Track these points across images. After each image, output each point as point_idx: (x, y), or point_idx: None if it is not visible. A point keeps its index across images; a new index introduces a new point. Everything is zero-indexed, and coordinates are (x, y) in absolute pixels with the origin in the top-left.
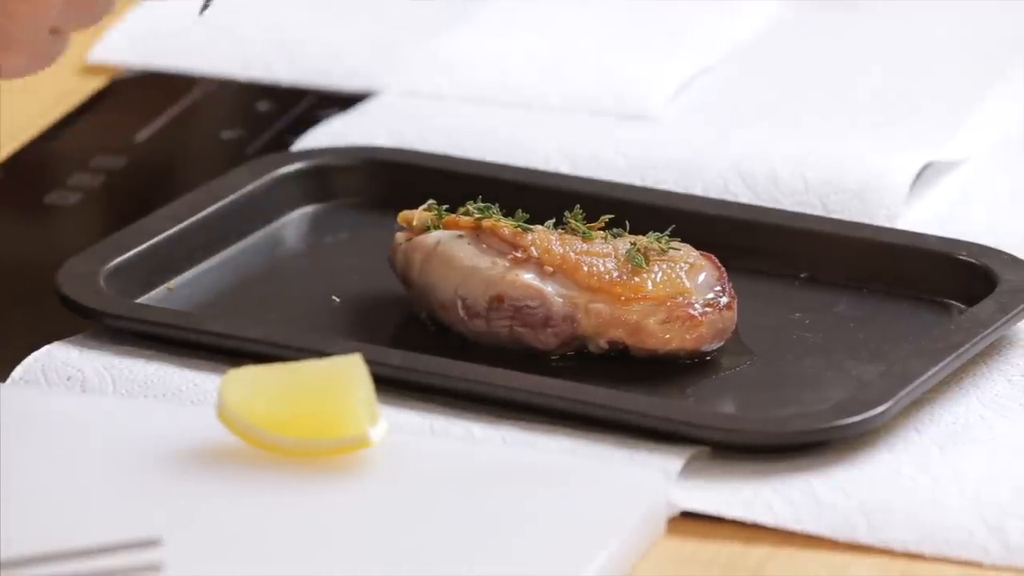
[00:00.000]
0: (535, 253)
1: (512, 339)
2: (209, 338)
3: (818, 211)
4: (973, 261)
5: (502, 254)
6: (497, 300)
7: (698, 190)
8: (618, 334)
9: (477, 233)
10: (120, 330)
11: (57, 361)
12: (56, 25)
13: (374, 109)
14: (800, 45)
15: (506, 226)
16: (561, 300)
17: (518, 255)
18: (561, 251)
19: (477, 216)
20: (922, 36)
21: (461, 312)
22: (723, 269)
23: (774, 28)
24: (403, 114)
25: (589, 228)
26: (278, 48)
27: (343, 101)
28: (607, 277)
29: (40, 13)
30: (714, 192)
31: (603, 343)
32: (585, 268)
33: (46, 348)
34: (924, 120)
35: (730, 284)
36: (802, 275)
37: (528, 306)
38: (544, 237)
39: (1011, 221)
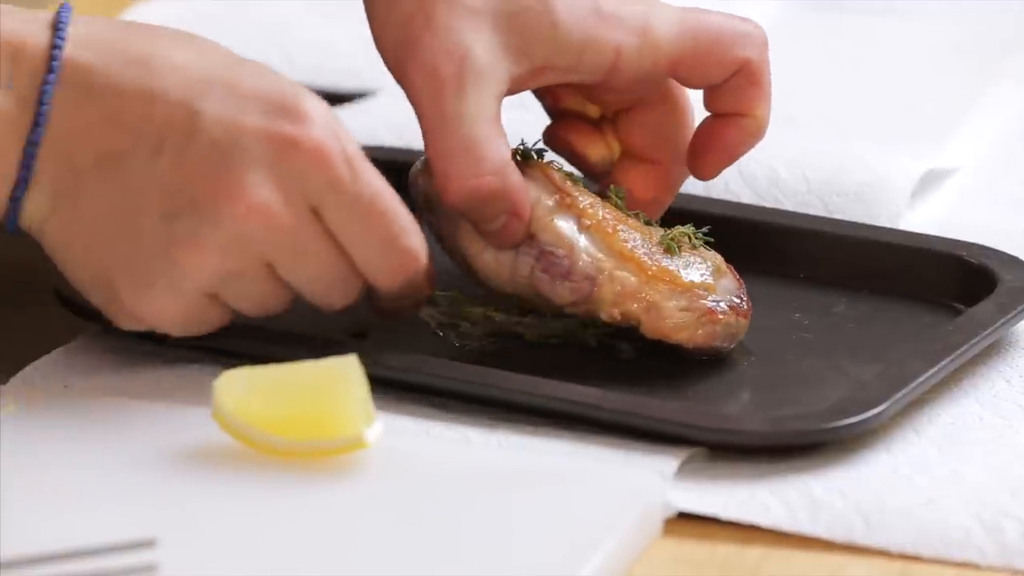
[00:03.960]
0: (580, 203)
1: (528, 284)
2: (206, 338)
3: (819, 212)
4: (973, 262)
5: (548, 193)
6: (529, 237)
7: (699, 190)
8: (634, 309)
9: (525, 168)
10: (118, 330)
11: (55, 363)
12: (215, 290)
13: (372, 108)
14: (800, 46)
15: (557, 171)
16: (588, 259)
17: (565, 197)
18: (603, 213)
19: (527, 152)
20: (921, 37)
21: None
22: (742, 281)
23: (774, 29)
24: (401, 113)
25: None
26: (274, 47)
27: (339, 101)
28: (639, 251)
29: (198, 268)
30: (715, 192)
31: (616, 313)
32: (621, 234)
33: (46, 355)
34: (924, 121)
35: (748, 296)
36: (802, 275)
37: (555, 253)
38: (589, 193)
39: (1011, 222)
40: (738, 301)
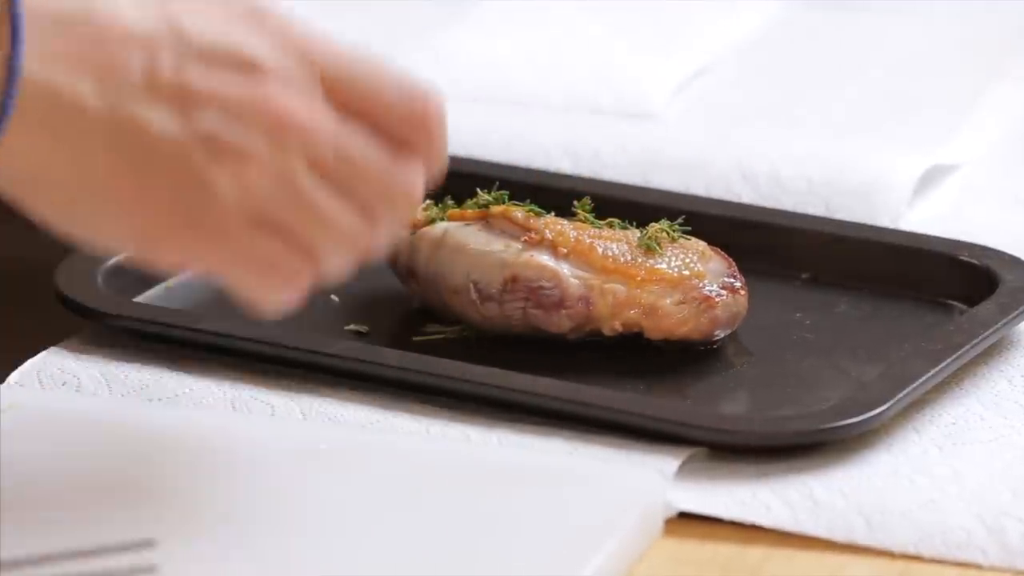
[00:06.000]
0: (549, 235)
1: (524, 323)
2: (207, 337)
3: (821, 211)
4: (974, 262)
5: (515, 237)
6: (511, 281)
7: (701, 189)
8: (633, 316)
9: (487, 220)
10: (118, 329)
11: (55, 361)
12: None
13: None
14: (801, 45)
15: (518, 210)
16: (577, 281)
17: (532, 235)
18: (575, 234)
19: (490, 200)
20: (922, 35)
21: (473, 295)
22: (731, 260)
23: (775, 27)
24: None
25: (597, 220)
26: None
27: None
28: (622, 259)
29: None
30: (717, 191)
31: (617, 325)
32: (600, 250)
33: (44, 351)
34: (926, 120)
35: (740, 273)
36: (803, 275)
37: (543, 287)
38: (556, 221)
39: (1012, 221)
40: (731, 280)
